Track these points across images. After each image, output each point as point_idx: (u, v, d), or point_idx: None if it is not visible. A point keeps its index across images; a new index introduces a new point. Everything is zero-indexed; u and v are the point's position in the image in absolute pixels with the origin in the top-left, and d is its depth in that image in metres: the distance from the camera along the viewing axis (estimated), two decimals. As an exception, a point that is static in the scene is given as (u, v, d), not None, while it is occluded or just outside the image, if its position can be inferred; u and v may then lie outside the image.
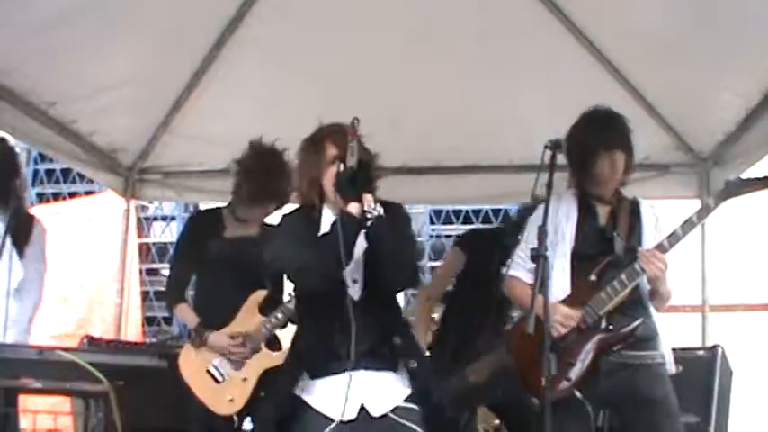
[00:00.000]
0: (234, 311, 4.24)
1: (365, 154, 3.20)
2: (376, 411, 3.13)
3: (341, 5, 4.56)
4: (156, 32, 4.52)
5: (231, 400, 4.14)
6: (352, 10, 4.56)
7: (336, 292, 3.14)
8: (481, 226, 8.31)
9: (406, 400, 3.18)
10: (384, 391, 3.18)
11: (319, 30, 4.67)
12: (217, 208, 4.58)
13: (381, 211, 3.12)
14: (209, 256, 4.35)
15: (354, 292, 3.19)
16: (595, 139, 3.62)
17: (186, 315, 4.34)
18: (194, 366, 4.20)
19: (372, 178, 3.18)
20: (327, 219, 3.23)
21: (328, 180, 3.22)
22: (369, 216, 3.08)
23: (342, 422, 3.09)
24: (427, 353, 4.77)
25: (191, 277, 4.46)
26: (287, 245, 3.24)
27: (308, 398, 3.18)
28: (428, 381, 3.26)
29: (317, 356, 3.20)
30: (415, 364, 3.22)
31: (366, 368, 3.17)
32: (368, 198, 3.10)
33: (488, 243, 4.80)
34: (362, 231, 3.11)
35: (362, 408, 3.12)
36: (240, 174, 4.34)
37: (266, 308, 4.25)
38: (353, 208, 3.09)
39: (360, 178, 3.11)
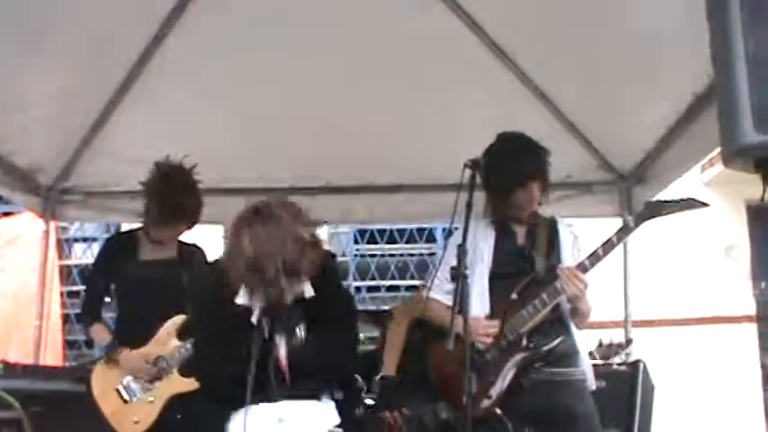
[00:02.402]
0: (151, 335, 4.20)
1: (280, 294, 3.07)
2: None
3: (265, 28, 4.51)
4: (77, 50, 4.42)
5: (136, 422, 4.09)
6: (277, 33, 4.53)
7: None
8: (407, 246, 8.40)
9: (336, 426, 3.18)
10: (307, 424, 3.14)
11: (243, 52, 4.62)
12: (133, 230, 4.59)
13: (300, 337, 3.12)
14: (125, 279, 4.36)
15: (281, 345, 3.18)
16: (513, 172, 3.66)
17: (100, 334, 4.35)
18: (105, 384, 4.17)
19: (288, 320, 3.13)
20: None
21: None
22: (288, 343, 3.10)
23: None
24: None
25: (104, 297, 4.45)
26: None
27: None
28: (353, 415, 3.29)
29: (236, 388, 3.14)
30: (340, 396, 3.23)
31: (288, 398, 3.15)
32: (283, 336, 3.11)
33: None
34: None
35: None
36: (147, 195, 4.37)
37: (184, 333, 4.21)
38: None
39: (273, 324, 3.10)
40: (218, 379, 3.13)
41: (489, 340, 3.52)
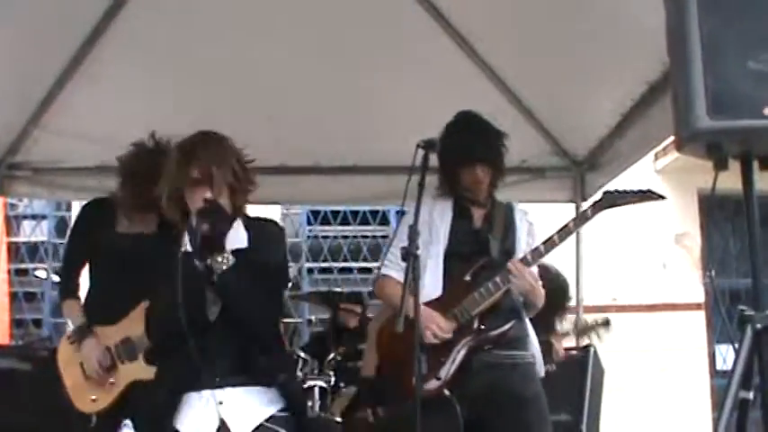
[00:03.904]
0: (124, 312, 4.01)
1: (217, 217, 3.07)
2: (238, 430, 3.07)
3: (219, 6, 4.46)
4: (26, 23, 4.32)
5: (94, 400, 3.98)
6: (231, 7, 4.48)
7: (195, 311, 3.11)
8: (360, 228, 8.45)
9: (280, 411, 3.12)
10: (248, 407, 3.11)
11: (197, 26, 4.56)
12: (110, 198, 4.26)
13: (231, 261, 3.05)
14: (102, 249, 4.14)
15: (211, 313, 3.15)
16: (460, 151, 3.66)
17: (72, 312, 4.13)
18: (71, 356, 4.04)
19: (222, 245, 3.06)
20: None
21: (190, 200, 3.13)
22: (216, 269, 3.03)
23: None
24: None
25: (81, 269, 4.22)
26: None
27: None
28: (298, 395, 3.24)
29: (177, 372, 3.16)
30: (283, 379, 3.18)
31: (231, 385, 3.11)
32: (216, 259, 3.04)
33: None
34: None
35: (223, 424, 3.06)
36: (121, 174, 4.14)
37: None
38: (199, 264, 3.06)
39: (207, 245, 3.05)
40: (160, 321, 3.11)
41: (435, 340, 3.47)
